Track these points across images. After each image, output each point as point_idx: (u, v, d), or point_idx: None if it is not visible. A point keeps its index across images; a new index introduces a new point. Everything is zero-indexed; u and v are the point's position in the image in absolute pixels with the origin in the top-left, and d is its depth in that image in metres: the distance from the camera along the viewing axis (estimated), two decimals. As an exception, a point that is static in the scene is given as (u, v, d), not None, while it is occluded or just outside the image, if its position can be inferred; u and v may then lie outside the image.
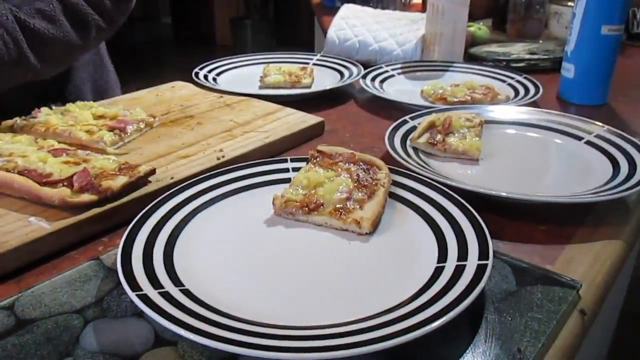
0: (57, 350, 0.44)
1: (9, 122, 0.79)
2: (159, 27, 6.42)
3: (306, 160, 0.68)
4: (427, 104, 0.99)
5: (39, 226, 0.57)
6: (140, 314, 0.47)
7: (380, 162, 0.66)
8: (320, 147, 0.69)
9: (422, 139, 0.77)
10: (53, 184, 0.61)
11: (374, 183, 0.63)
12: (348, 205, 0.60)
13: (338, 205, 0.59)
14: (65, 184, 0.61)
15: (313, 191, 0.61)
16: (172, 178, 0.66)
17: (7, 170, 0.63)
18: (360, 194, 0.61)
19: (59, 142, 0.72)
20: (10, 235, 0.55)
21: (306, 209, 0.59)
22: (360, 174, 0.64)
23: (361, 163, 0.66)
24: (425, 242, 0.55)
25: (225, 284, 0.50)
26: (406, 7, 1.87)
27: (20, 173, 0.62)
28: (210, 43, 5.60)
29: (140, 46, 5.80)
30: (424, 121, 0.80)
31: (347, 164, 0.66)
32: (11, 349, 0.44)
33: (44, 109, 0.83)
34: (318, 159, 0.67)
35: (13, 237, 0.55)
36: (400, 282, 0.50)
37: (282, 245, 0.57)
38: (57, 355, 0.43)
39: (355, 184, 0.62)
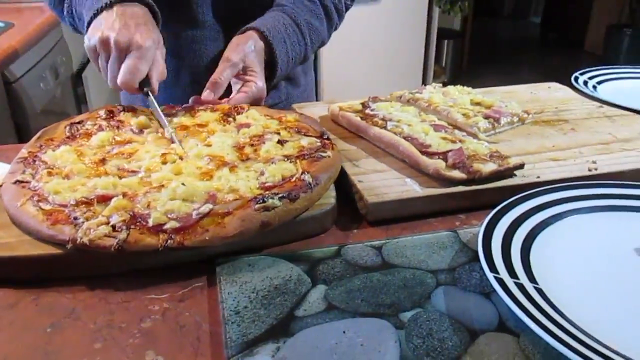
0: (411, 297, 0.49)
1: (399, 92, 0.90)
2: (526, 26, 6.28)
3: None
4: None
5: (412, 188, 0.64)
6: (488, 295, 0.49)
7: None
8: None
9: None
10: (431, 154, 0.67)
11: None
12: None
13: None
14: (441, 157, 0.66)
15: None
16: (538, 177, 0.66)
17: (395, 134, 0.72)
18: None
19: (438, 119, 0.79)
20: (389, 189, 0.63)
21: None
22: None
23: None
24: None
25: (579, 296, 0.48)
26: None
27: (405, 138, 0.71)
28: (576, 49, 5.22)
29: (503, 42, 5.80)
30: None
31: None
32: (375, 283, 0.51)
33: (429, 87, 0.91)
34: None
35: (391, 191, 0.63)
36: None
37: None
38: (411, 302, 0.49)
39: None
